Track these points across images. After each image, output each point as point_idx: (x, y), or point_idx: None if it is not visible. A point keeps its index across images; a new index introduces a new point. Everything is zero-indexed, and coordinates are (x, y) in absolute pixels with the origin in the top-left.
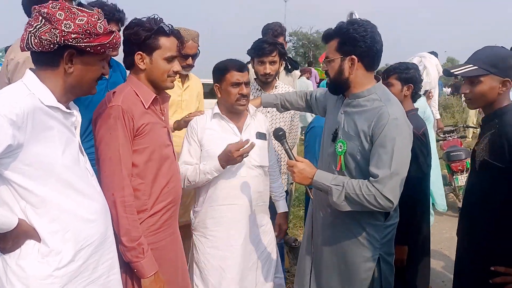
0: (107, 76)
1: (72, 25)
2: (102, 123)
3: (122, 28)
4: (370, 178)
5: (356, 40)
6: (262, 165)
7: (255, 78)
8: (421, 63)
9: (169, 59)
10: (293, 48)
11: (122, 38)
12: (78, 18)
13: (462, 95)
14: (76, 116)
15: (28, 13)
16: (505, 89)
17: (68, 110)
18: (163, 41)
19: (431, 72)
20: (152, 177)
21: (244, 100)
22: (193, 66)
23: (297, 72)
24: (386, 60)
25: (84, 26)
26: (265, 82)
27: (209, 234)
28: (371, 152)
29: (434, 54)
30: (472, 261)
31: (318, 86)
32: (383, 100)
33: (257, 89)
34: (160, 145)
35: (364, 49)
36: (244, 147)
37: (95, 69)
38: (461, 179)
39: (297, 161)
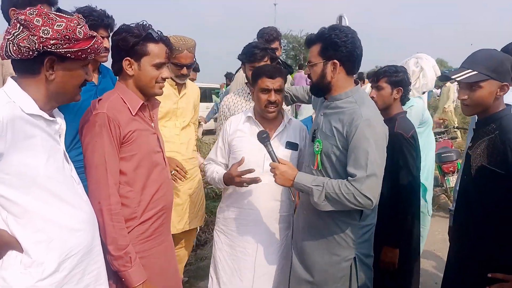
0: (96, 82)
1: (50, 31)
2: (88, 131)
3: (111, 34)
4: (348, 177)
5: (337, 45)
6: None
7: (246, 83)
8: (418, 64)
9: (158, 66)
10: (284, 51)
11: (111, 44)
12: (56, 23)
13: (455, 100)
14: (60, 124)
15: (8, 19)
16: (502, 94)
17: (51, 118)
18: (152, 47)
19: (427, 74)
20: (141, 184)
21: (272, 107)
22: (189, 75)
23: (290, 77)
24: (376, 62)
25: (63, 31)
26: None
27: (228, 233)
28: (348, 153)
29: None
30: (466, 266)
31: None
32: (358, 102)
33: (248, 93)
34: (148, 152)
35: (345, 54)
36: (245, 176)
37: (77, 75)
38: (452, 180)
39: (279, 163)
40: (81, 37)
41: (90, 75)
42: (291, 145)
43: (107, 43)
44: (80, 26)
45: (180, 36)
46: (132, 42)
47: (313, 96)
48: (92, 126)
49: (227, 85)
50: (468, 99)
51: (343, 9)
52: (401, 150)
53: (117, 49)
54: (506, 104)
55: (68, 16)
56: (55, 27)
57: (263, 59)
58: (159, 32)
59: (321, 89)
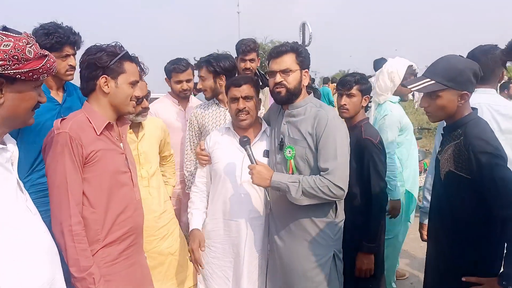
0: (60, 101)
1: None
2: (49, 151)
3: (77, 52)
4: (321, 172)
5: (305, 58)
6: None
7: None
8: (390, 69)
9: (133, 84)
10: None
11: (83, 63)
12: (3, 44)
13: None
14: (12, 151)
15: None
16: (463, 102)
17: (2, 146)
18: (127, 66)
19: (394, 78)
20: (104, 205)
21: (243, 115)
22: (148, 108)
23: (267, 90)
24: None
25: (11, 51)
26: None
27: (212, 245)
28: (318, 151)
29: (384, 61)
30: (442, 269)
31: None
32: (319, 106)
33: (217, 103)
34: (114, 172)
35: (308, 66)
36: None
37: (29, 97)
38: (421, 180)
39: (256, 164)
40: (32, 56)
41: (43, 96)
42: (268, 154)
43: (73, 61)
44: (30, 45)
45: None
46: (109, 60)
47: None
48: (54, 146)
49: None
50: (429, 107)
51: (306, 16)
52: (371, 156)
53: (93, 67)
54: (472, 107)
55: (16, 35)
56: (1, 47)
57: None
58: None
59: (294, 95)
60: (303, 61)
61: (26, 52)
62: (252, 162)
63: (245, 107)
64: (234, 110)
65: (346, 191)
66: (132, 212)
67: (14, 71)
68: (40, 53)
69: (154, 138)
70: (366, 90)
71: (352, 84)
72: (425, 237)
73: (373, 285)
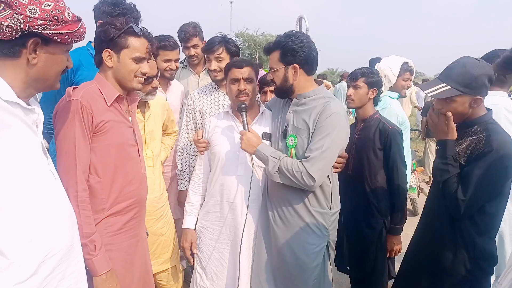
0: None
1: (38, 10)
2: (60, 117)
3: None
4: (302, 159)
5: (295, 51)
6: (261, 165)
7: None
8: (386, 66)
9: (137, 60)
10: (239, 49)
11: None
12: (44, 3)
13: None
14: (38, 114)
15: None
16: (476, 106)
17: (29, 107)
18: (132, 41)
19: (389, 75)
20: (111, 176)
21: (243, 96)
22: (157, 88)
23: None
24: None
25: (52, 11)
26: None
27: (210, 227)
28: (312, 138)
29: (379, 60)
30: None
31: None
32: (327, 98)
33: (215, 88)
34: (121, 144)
35: (303, 58)
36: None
37: (60, 60)
38: (412, 180)
39: (248, 131)
40: (70, 19)
41: (71, 61)
42: (266, 136)
43: None
44: (67, 8)
45: None
46: (112, 34)
47: (271, 99)
48: (65, 113)
49: None
50: (443, 109)
51: (299, 9)
52: (397, 144)
53: (99, 40)
54: (486, 108)
55: None
56: (43, 7)
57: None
58: (142, 28)
59: (285, 92)
60: (289, 57)
61: (66, 14)
62: (244, 128)
63: (245, 89)
64: (235, 91)
65: (318, 184)
66: (137, 185)
67: (53, 32)
68: (77, 17)
69: (158, 118)
70: (373, 83)
71: (358, 76)
72: None
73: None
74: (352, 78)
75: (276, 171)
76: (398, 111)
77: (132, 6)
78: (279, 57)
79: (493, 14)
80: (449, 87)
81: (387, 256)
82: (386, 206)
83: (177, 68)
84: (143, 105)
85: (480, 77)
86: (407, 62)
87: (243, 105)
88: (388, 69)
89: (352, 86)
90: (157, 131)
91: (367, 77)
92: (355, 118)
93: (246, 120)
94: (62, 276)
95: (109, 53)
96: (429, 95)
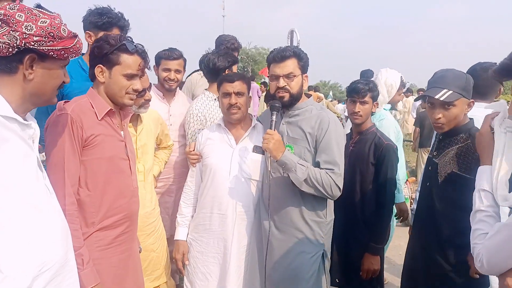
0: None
1: (34, 27)
2: (50, 131)
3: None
4: (327, 170)
5: (308, 62)
6: (252, 178)
7: (206, 89)
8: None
9: (128, 76)
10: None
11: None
12: (40, 20)
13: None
14: (35, 129)
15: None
16: (469, 110)
17: (26, 122)
18: (124, 58)
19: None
20: (101, 189)
21: (234, 109)
22: (150, 100)
23: None
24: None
25: (48, 28)
26: None
27: (199, 239)
28: (319, 150)
29: (370, 72)
30: (428, 264)
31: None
32: (318, 108)
33: (215, 99)
34: (112, 157)
35: (307, 69)
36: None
37: (57, 75)
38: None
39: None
40: (65, 35)
41: (67, 76)
42: (257, 149)
43: None
44: (63, 24)
45: None
46: (106, 50)
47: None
48: (55, 126)
49: None
50: (443, 118)
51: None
52: (391, 160)
53: (93, 55)
54: (469, 117)
55: (51, 13)
56: (39, 23)
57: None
58: (137, 45)
59: (295, 99)
60: (304, 66)
61: (61, 30)
62: (272, 128)
63: (236, 103)
64: (226, 105)
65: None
66: (128, 199)
67: (48, 47)
68: (72, 33)
69: (151, 132)
70: (375, 97)
71: (366, 92)
72: None
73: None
74: (359, 93)
75: (304, 179)
76: (394, 122)
77: (119, 15)
78: (297, 64)
79: (485, 27)
80: (451, 91)
81: (364, 277)
82: (373, 221)
83: (178, 80)
84: (135, 119)
85: (469, 81)
86: (402, 76)
87: (277, 104)
88: (394, 84)
89: (360, 102)
90: (150, 145)
91: (373, 91)
92: (350, 129)
93: (275, 120)
94: None
95: (102, 68)
96: (441, 98)
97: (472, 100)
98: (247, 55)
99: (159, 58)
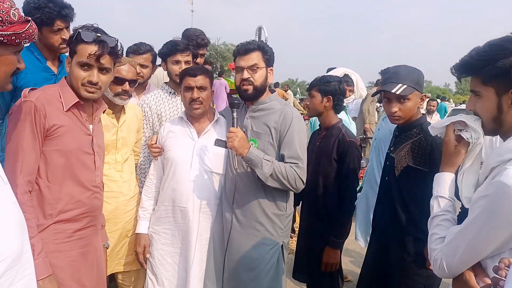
0: (55, 71)
1: None
2: (12, 118)
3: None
4: (291, 164)
5: (273, 56)
6: (214, 171)
7: (166, 82)
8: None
9: (81, 65)
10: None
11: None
12: None
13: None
14: None
15: None
16: (422, 103)
17: None
18: (81, 47)
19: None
20: (60, 181)
21: (196, 104)
22: (131, 95)
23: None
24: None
25: None
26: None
27: (161, 231)
28: (283, 144)
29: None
30: (387, 257)
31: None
32: (282, 104)
33: (170, 92)
34: (75, 150)
35: (272, 63)
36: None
37: (9, 61)
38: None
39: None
40: (15, 19)
41: (22, 63)
42: (219, 143)
43: (66, 35)
44: (14, 9)
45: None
46: (69, 40)
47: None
48: (17, 113)
49: None
50: (399, 111)
51: (260, 20)
52: (353, 157)
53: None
54: (422, 113)
55: None
56: None
57: (185, 51)
58: (95, 35)
59: (260, 92)
60: (269, 59)
61: (11, 15)
62: (233, 126)
63: (199, 97)
64: (188, 99)
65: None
66: (89, 194)
67: None
68: (24, 18)
69: (133, 125)
70: (326, 91)
71: (312, 86)
72: None
73: (334, 279)
74: (307, 88)
75: (270, 174)
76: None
77: (59, 2)
78: (262, 57)
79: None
80: (405, 85)
81: (323, 269)
82: (334, 215)
83: (143, 74)
84: (118, 110)
85: (421, 76)
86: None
87: (236, 101)
88: (360, 80)
89: (308, 95)
90: (130, 138)
91: (320, 85)
92: (319, 125)
93: (237, 118)
94: (10, 282)
95: (69, 59)
96: (397, 92)
97: (424, 93)
98: (216, 51)
99: (127, 53)
